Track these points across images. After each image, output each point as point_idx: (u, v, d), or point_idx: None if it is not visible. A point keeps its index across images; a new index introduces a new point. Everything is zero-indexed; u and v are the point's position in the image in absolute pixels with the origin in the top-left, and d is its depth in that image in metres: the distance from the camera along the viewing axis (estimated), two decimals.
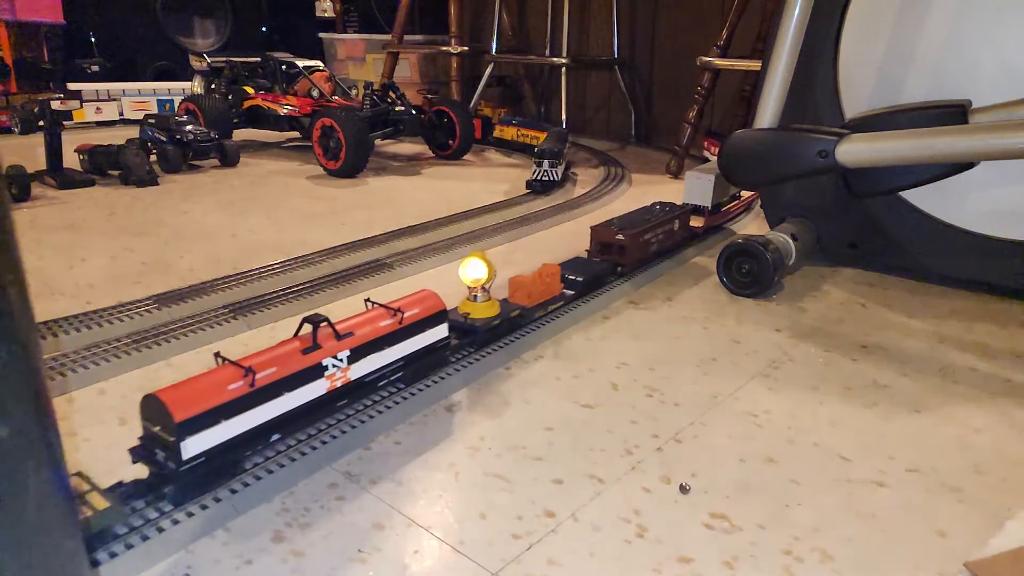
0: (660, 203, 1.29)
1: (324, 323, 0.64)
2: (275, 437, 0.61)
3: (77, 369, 0.79)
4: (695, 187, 1.36)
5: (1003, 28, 1.00)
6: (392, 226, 1.43)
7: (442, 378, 0.79)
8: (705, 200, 1.35)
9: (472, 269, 0.87)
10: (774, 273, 1.09)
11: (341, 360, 0.65)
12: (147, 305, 0.98)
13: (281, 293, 1.05)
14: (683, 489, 0.63)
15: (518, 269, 1.16)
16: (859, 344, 0.95)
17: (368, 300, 0.74)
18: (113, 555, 0.51)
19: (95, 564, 0.50)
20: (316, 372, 0.63)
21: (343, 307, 1.04)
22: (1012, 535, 0.58)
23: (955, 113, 0.95)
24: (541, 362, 0.87)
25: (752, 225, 1.54)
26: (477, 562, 0.54)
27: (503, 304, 0.91)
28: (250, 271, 1.14)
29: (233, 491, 0.58)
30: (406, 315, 0.72)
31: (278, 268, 1.15)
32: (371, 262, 1.21)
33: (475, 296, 0.88)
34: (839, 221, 1.24)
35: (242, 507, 0.58)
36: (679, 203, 1.34)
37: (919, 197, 1.11)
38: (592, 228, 1.13)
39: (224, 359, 0.58)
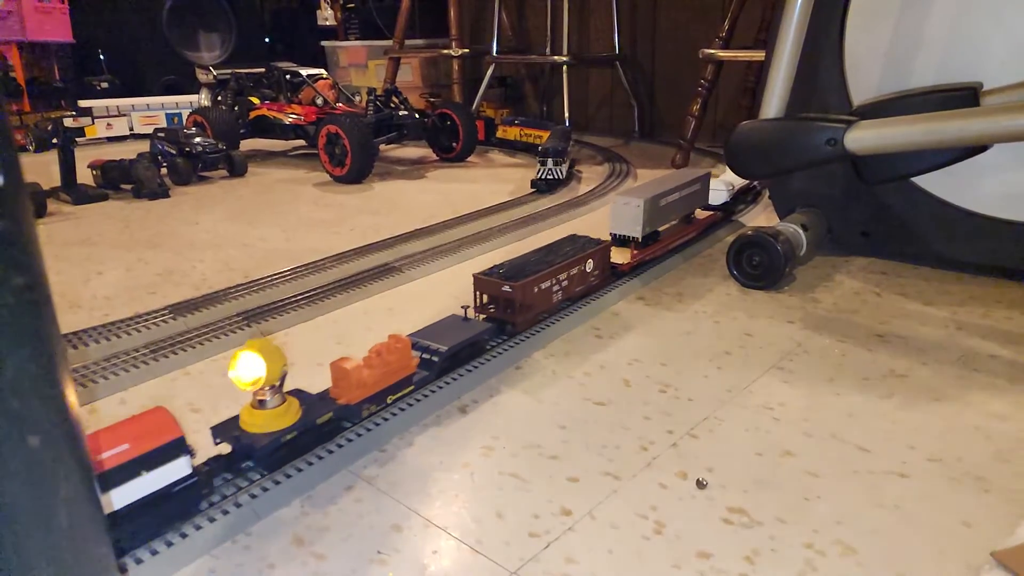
0: (576, 237, 1.06)
1: None
2: None
3: (98, 380, 0.80)
4: (622, 214, 1.13)
5: (1012, 7, 0.99)
6: (399, 230, 1.44)
7: (455, 379, 0.79)
8: (634, 230, 1.12)
9: (245, 367, 0.59)
10: (785, 264, 1.08)
11: None
12: (163, 315, 0.99)
13: (293, 300, 1.05)
14: (700, 484, 0.62)
15: None
16: (875, 333, 0.94)
17: None
18: (139, 561, 0.51)
19: (123, 570, 0.50)
20: None
21: (354, 311, 1.04)
22: None
23: (966, 96, 0.94)
24: (552, 361, 0.87)
25: (761, 216, 1.54)
26: (495, 561, 0.54)
27: (310, 405, 0.66)
28: (262, 279, 1.15)
29: (253, 496, 0.59)
30: (105, 457, 0.50)
31: (289, 275, 1.16)
32: (380, 266, 1.21)
33: (261, 402, 0.62)
34: (850, 209, 1.22)
35: (262, 511, 0.58)
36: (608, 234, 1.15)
37: (931, 182, 1.10)
38: (475, 276, 0.90)
39: None
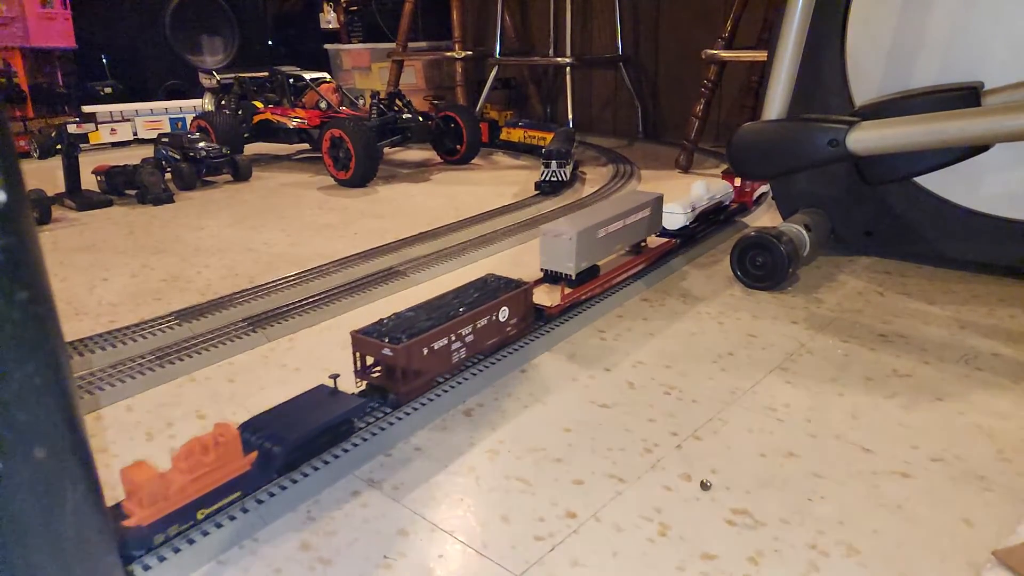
0: (490, 279, 0.91)
1: None
2: None
3: (104, 387, 0.81)
4: (552, 248, 0.98)
5: (1013, 7, 0.99)
6: (404, 233, 1.44)
7: (459, 383, 0.79)
8: (566, 266, 0.98)
9: None
10: (788, 265, 1.08)
11: None
12: (168, 321, 1.00)
13: (298, 304, 1.06)
14: (704, 486, 0.63)
15: (527, 272, 1.10)
16: (878, 333, 0.94)
17: None
18: (147, 568, 0.52)
19: None
20: None
21: (360, 316, 1.05)
22: None
23: (967, 96, 0.94)
24: (556, 363, 0.88)
25: (765, 217, 1.53)
26: (501, 565, 0.54)
27: None
28: (267, 284, 1.15)
29: (259, 501, 0.59)
30: None
31: (294, 280, 1.17)
32: (385, 270, 1.22)
33: None
34: (853, 210, 1.22)
35: (268, 517, 0.59)
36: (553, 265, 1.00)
37: (934, 182, 1.10)
38: (354, 335, 0.74)
39: None
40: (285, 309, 1.04)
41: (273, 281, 1.16)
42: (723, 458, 0.67)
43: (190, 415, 0.77)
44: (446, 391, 0.78)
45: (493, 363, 0.84)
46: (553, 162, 1.79)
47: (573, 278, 0.99)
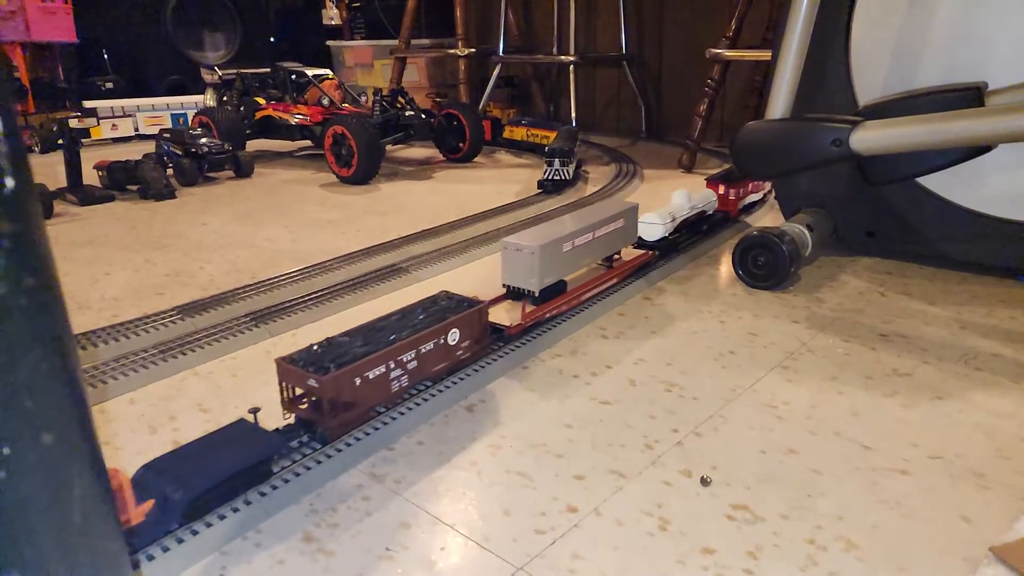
0: (442, 297, 0.83)
1: None
2: None
3: (107, 380, 0.81)
4: (514, 263, 0.92)
5: (1017, 8, 0.99)
6: (406, 231, 1.44)
7: (461, 379, 0.80)
8: (528, 282, 0.92)
9: None
10: (790, 265, 1.08)
11: None
12: (171, 316, 1.00)
13: (300, 300, 1.06)
14: (704, 482, 0.63)
15: None
16: (879, 333, 0.94)
17: None
18: (151, 558, 0.52)
19: (135, 566, 0.51)
20: None
21: (362, 312, 1.05)
22: None
23: (971, 96, 0.94)
24: (558, 360, 0.88)
25: (767, 217, 1.54)
26: (502, 557, 0.54)
27: None
28: (269, 280, 1.15)
29: (262, 494, 0.60)
30: None
31: (296, 276, 1.17)
32: (387, 267, 1.22)
33: None
34: (856, 210, 1.23)
35: (272, 509, 0.59)
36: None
37: (936, 182, 1.10)
38: (279, 362, 0.67)
39: None
40: (288, 305, 1.04)
41: (276, 277, 1.17)
42: (723, 454, 0.67)
43: (193, 409, 0.78)
44: (448, 387, 0.78)
45: (495, 360, 0.84)
46: (556, 160, 1.79)
47: (536, 295, 0.93)
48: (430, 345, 0.74)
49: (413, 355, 0.72)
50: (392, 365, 0.70)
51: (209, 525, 0.56)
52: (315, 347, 0.69)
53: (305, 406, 0.67)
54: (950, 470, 0.64)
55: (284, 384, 0.66)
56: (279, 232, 1.49)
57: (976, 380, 0.81)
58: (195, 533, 0.55)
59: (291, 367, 0.65)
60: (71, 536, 0.31)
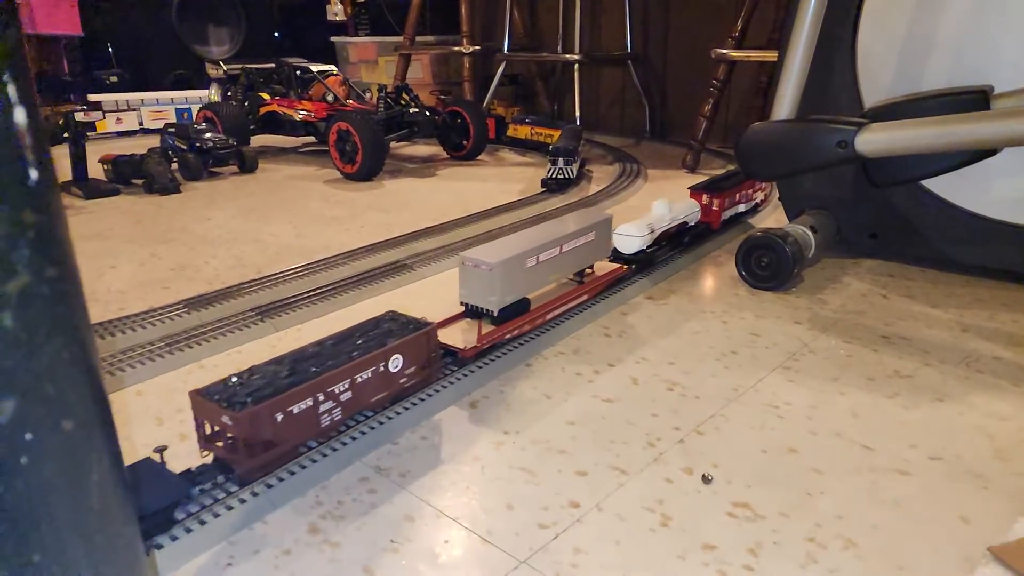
0: (387, 318, 0.76)
1: None
2: None
3: (115, 372, 0.82)
4: (471, 279, 0.86)
5: None
6: (410, 228, 1.45)
7: (464, 375, 0.80)
8: (487, 300, 0.86)
9: None
10: (793, 266, 1.09)
11: None
12: (177, 309, 1.01)
13: (304, 296, 1.07)
14: (705, 479, 0.64)
15: None
16: (881, 335, 0.95)
17: None
18: (159, 547, 0.53)
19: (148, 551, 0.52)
20: None
21: (365, 308, 1.06)
22: None
23: (977, 99, 0.94)
24: (561, 358, 0.88)
25: (771, 218, 1.54)
26: (505, 551, 0.55)
27: None
28: (274, 275, 1.16)
29: (269, 486, 0.60)
30: None
31: (301, 271, 1.18)
32: (391, 264, 1.23)
33: None
34: (859, 212, 1.23)
35: (278, 501, 0.60)
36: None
37: (940, 185, 1.11)
38: (192, 396, 0.61)
39: None
40: (293, 300, 1.05)
41: (280, 272, 1.17)
42: (724, 453, 0.68)
43: None
44: (451, 384, 0.79)
45: (497, 358, 0.85)
46: (560, 159, 1.79)
47: (495, 314, 0.86)
48: (367, 373, 0.67)
49: (347, 385, 0.65)
50: (321, 397, 0.63)
51: (216, 515, 0.56)
52: (234, 378, 0.62)
53: (221, 444, 0.60)
54: (950, 471, 0.65)
55: (199, 420, 0.60)
56: (283, 228, 1.49)
57: (977, 383, 0.82)
58: (203, 523, 0.56)
59: (204, 401, 0.59)
60: (89, 520, 0.32)
